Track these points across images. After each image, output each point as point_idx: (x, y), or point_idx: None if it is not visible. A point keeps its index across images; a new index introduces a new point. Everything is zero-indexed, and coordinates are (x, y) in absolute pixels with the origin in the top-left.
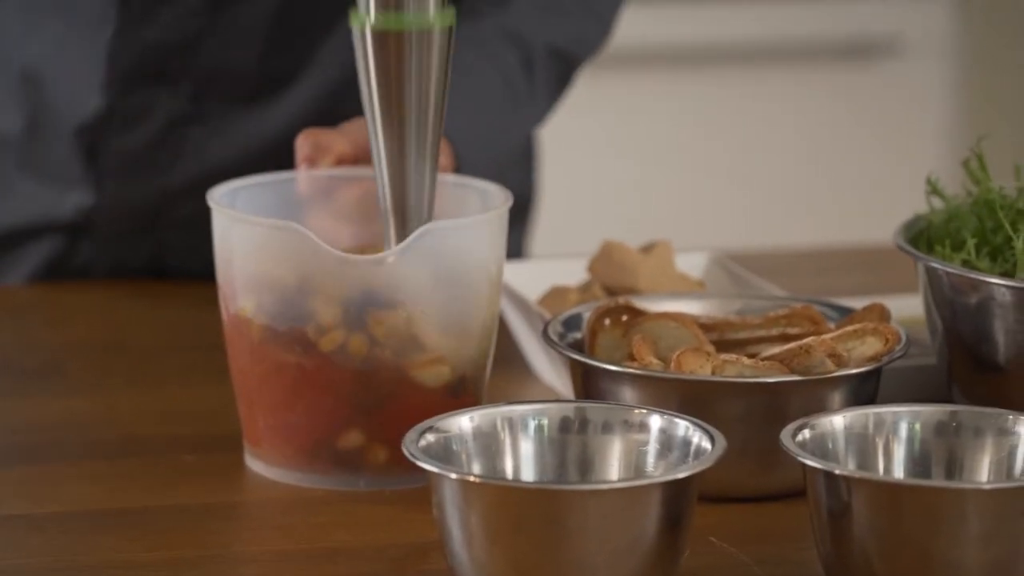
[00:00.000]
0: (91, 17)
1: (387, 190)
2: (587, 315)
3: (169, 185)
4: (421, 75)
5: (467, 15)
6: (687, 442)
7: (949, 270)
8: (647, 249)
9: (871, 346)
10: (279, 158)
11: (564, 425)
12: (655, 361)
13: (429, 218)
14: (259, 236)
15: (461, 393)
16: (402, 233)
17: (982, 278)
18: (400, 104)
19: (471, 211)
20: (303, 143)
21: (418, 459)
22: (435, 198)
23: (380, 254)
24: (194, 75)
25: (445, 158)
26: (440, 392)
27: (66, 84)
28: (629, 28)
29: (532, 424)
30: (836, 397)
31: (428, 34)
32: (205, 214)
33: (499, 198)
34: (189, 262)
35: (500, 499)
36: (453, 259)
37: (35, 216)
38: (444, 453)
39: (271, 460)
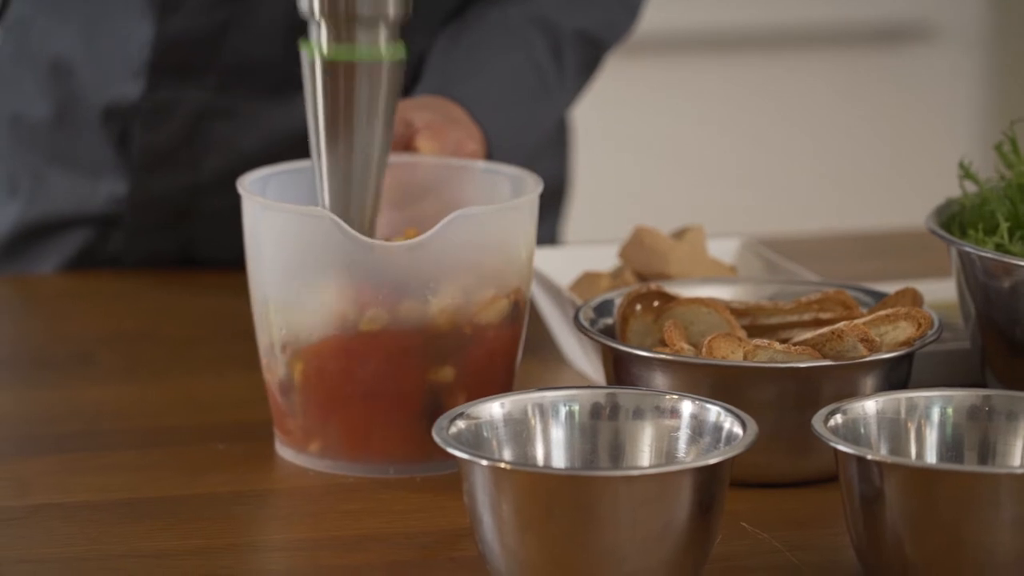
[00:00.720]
0: (118, 9)
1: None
2: (618, 301)
3: (198, 178)
4: (369, 106)
5: (495, 1)
6: (718, 427)
7: (982, 254)
8: (679, 235)
9: (904, 331)
10: (306, 150)
11: (595, 411)
12: (686, 347)
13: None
14: (289, 223)
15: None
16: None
17: (1015, 262)
18: (347, 133)
19: (502, 197)
20: None
21: (449, 446)
22: (376, 221)
23: (411, 240)
24: (220, 68)
25: (475, 143)
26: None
27: (94, 75)
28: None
29: (563, 410)
30: (868, 382)
31: (377, 66)
32: (235, 206)
33: (530, 184)
34: (219, 252)
35: (531, 486)
36: (485, 244)
37: (68, 207)
38: (475, 440)
39: (301, 447)
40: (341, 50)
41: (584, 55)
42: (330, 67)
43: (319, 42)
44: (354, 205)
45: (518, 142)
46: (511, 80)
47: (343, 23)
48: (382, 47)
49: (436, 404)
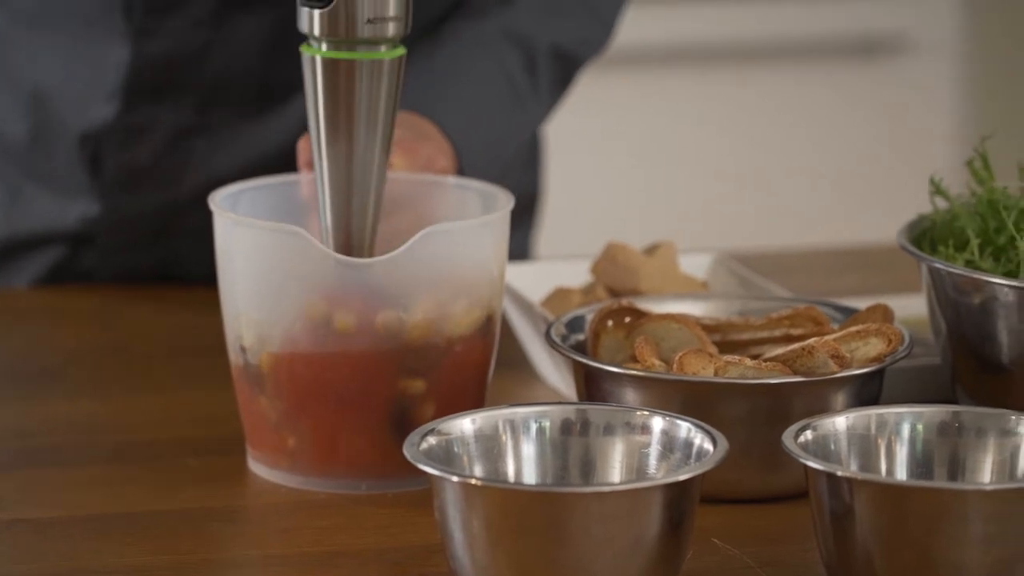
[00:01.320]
0: (97, 31)
1: (328, 218)
2: (590, 317)
3: (174, 197)
4: (370, 103)
5: (470, 15)
6: (689, 444)
7: (953, 270)
8: (650, 250)
9: (874, 347)
10: (284, 167)
11: (566, 427)
12: (658, 363)
13: (372, 244)
14: (259, 239)
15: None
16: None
17: (986, 278)
18: (348, 131)
19: (473, 213)
20: (304, 147)
21: (420, 462)
22: (378, 227)
23: (382, 256)
24: (197, 89)
25: (446, 159)
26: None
27: (72, 97)
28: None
29: (534, 426)
30: (839, 398)
31: (378, 63)
32: (210, 224)
33: (501, 200)
34: (195, 269)
35: (502, 502)
36: (455, 261)
37: (40, 225)
38: (446, 456)
39: (273, 463)
40: (341, 53)
41: (558, 70)
42: (330, 64)
43: (319, 46)
44: (356, 207)
45: (491, 157)
46: (484, 95)
47: (343, 43)
48: (382, 49)
49: (405, 415)
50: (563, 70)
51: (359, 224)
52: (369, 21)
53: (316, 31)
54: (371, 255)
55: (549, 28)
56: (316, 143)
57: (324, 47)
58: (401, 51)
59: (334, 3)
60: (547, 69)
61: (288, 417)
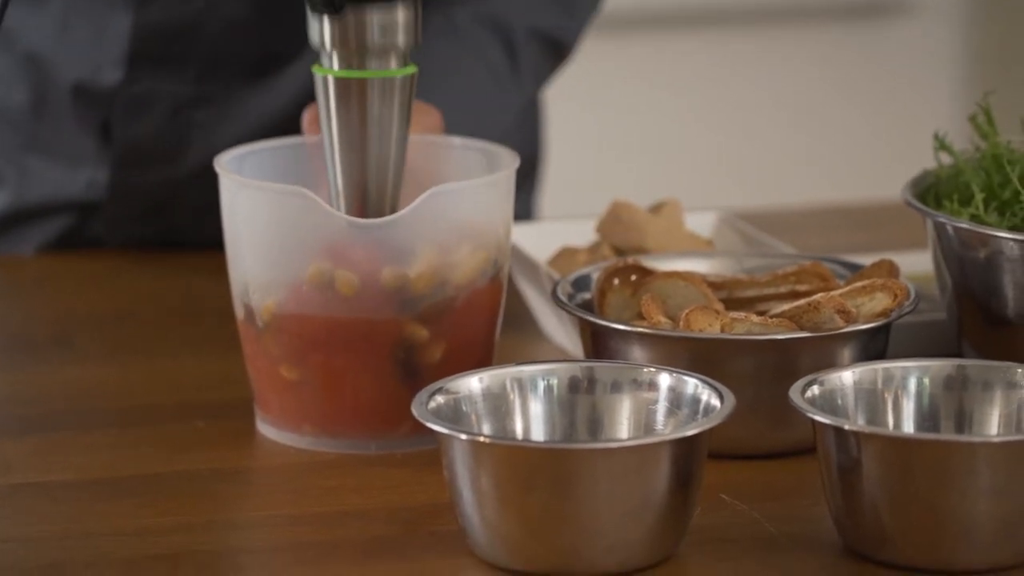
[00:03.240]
0: (98, 1)
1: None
2: (596, 275)
3: (180, 169)
4: (383, 119)
5: (441, 4)
6: (696, 400)
7: (958, 225)
8: (656, 209)
9: (880, 302)
10: (287, 134)
11: (573, 385)
12: (664, 320)
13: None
14: (265, 201)
15: None
16: None
17: (991, 232)
18: (362, 147)
19: (478, 173)
20: (310, 110)
21: (428, 421)
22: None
23: (388, 217)
24: (198, 58)
25: (435, 112)
26: None
27: (71, 65)
28: None
29: (541, 384)
30: (846, 353)
31: (391, 81)
32: (214, 196)
33: (506, 159)
34: (201, 238)
35: (510, 459)
36: (463, 220)
37: (46, 194)
38: (454, 414)
39: (282, 424)
40: (353, 73)
41: (541, 52)
42: (342, 84)
43: (331, 67)
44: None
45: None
46: (465, 84)
47: (354, 54)
48: (392, 67)
49: (412, 363)
50: (546, 50)
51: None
52: (379, 29)
53: (327, 42)
54: None
55: (525, 10)
56: (330, 159)
57: (336, 65)
58: (412, 69)
59: (344, 9)
60: (528, 51)
61: (295, 374)
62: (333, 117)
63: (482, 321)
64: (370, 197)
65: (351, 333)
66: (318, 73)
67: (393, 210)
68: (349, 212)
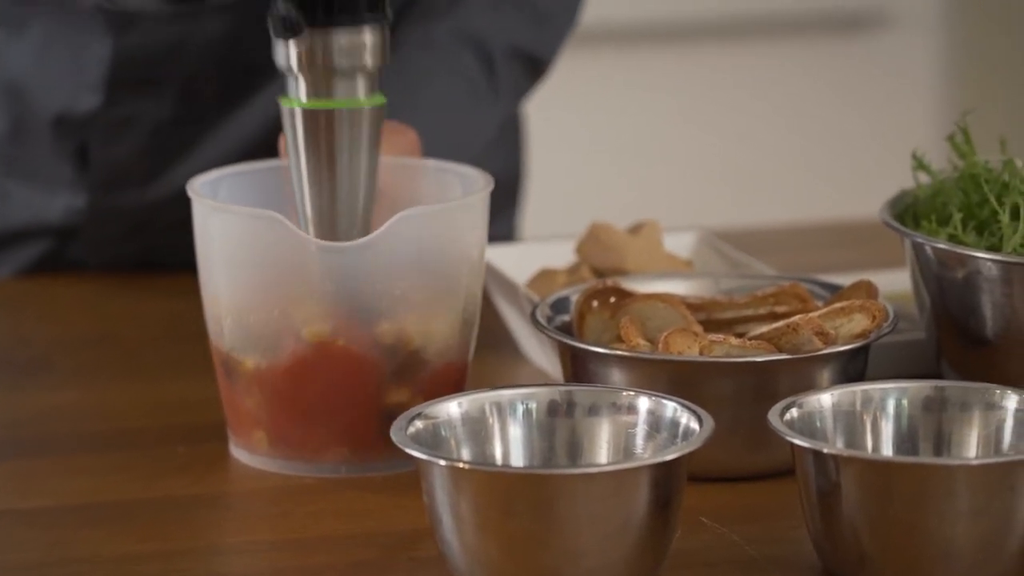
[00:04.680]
0: (74, 26)
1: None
2: (575, 297)
3: (158, 190)
4: (352, 149)
5: (419, 19)
6: (675, 423)
7: (936, 245)
8: (635, 230)
9: (859, 323)
10: (266, 155)
11: (552, 409)
12: (643, 343)
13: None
14: (237, 225)
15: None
16: None
17: (969, 252)
18: (331, 178)
19: (453, 196)
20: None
21: (407, 447)
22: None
23: (357, 241)
24: (178, 79)
25: (411, 132)
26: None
27: (50, 92)
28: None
29: (520, 408)
30: (825, 375)
31: (358, 111)
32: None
33: (480, 182)
34: (179, 261)
35: (490, 485)
36: (434, 244)
37: (25, 219)
38: (433, 439)
39: (253, 448)
40: (320, 101)
41: (519, 68)
42: (310, 115)
43: (297, 96)
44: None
45: (455, 159)
46: (442, 98)
47: (321, 77)
48: (361, 96)
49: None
50: (524, 66)
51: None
52: (346, 51)
53: (293, 64)
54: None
55: (503, 26)
56: (299, 189)
57: (302, 91)
58: (380, 100)
59: (305, 32)
60: (506, 67)
61: (264, 410)
62: (301, 147)
63: (454, 372)
64: (339, 224)
65: (328, 403)
66: (285, 105)
67: (364, 234)
68: (318, 237)
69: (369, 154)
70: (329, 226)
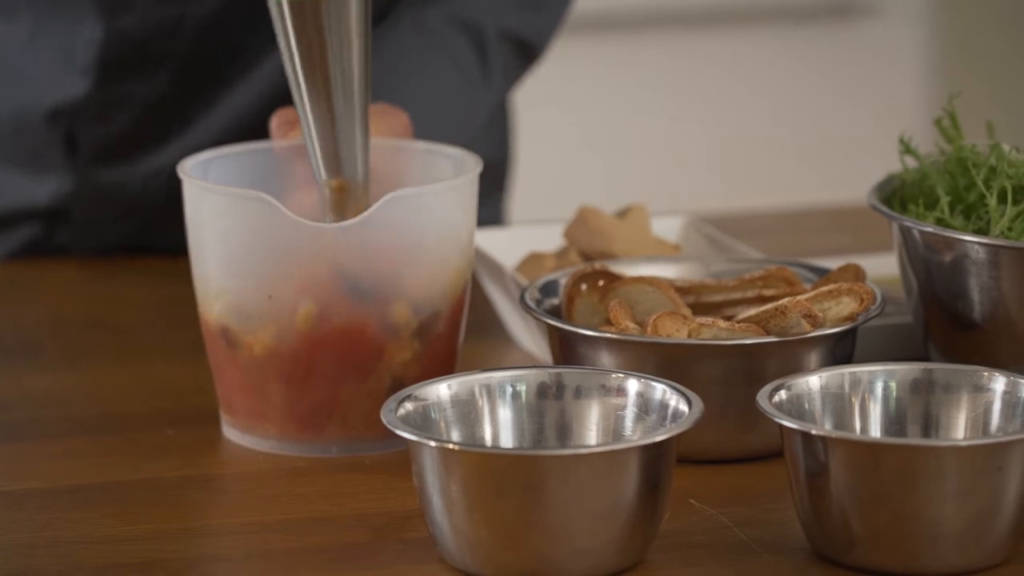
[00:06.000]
0: (66, 8)
1: (319, 160)
2: (564, 281)
3: (148, 171)
4: (341, 40)
5: (412, 3)
6: (665, 405)
7: (923, 229)
8: (622, 214)
9: (846, 306)
10: (257, 135)
11: (541, 391)
12: (632, 325)
13: (366, 183)
14: (227, 206)
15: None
16: (340, 200)
17: (956, 236)
18: (324, 72)
19: (443, 177)
20: (277, 115)
21: (397, 428)
22: (370, 162)
23: (348, 221)
24: (171, 61)
25: (403, 115)
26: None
27: (42, 74)
28: None
29: (510, 390)
30: (813, 357)
31: (344, 1)
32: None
33: (470, 164)
34: (170, 243)
35: (479, 466)
36: (424, 224)
37: (12, 203)
38: (423, 421)
39: (247, 428)
40: None
41: (511, 52)
42: (296, 8)
43: None
44: (343, 143)
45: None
46: (435, 82)
47: None
48: None
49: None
50: (517, 51)
51: (349, 156)
52: None
53: None
54: (367, 180)
55: (496, 11)
56: (296, 87)
57: None
58: None
59: None
60: (498, 51)
61: (255, 391)
62: (293, 46)
63: (451, 332)
64: (340, 131)
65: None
66: (273, 2)
67: (366, 164)
68: (326, 160)
69: (361, 47)
70: (330, 137)
